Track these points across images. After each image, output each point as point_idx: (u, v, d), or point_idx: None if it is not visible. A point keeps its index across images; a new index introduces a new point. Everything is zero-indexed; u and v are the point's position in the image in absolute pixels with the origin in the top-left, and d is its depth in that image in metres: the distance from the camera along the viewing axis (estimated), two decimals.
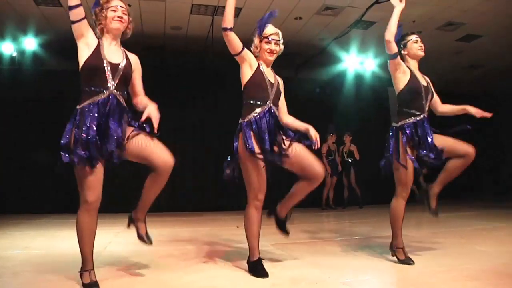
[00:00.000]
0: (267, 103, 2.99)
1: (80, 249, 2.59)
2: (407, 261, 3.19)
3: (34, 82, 7.88)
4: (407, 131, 3.18)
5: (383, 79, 9.54)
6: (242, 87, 3.06)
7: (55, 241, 4.61)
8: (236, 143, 2.99)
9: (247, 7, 6.61)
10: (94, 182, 2.52)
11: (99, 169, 2.54)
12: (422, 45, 3.41)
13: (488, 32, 7.55)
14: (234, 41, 3.01)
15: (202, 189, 8.36)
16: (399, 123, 3.25)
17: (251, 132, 2.91)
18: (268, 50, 3.07)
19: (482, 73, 10.29)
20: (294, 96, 9.12)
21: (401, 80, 3.30)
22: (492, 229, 5.12)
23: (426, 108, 3.29)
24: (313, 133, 3.09)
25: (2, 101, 7.69)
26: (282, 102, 3.24)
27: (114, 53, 2.69)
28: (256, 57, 3.11)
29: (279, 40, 3.11)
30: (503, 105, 12.17)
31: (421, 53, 3.39)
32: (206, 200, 8.33)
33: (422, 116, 3.24)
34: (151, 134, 2.67)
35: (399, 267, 3.19)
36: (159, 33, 7.50)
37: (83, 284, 2.55)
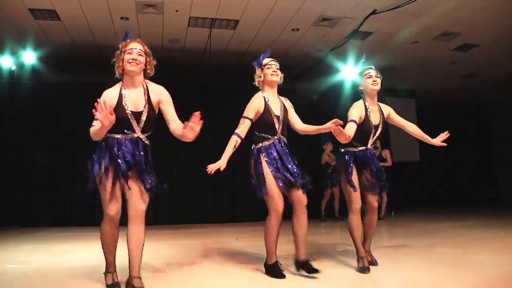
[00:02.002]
0: (275, 136, 3.35)
1: (103, 253, 2.96)
2: (363, 270, 3.37)
3: (32, 96, 7.90)
4: (347, 157, 3.57)
5: (380, 89, 9.59)
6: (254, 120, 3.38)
7: (52, 255, 4.58)
8: (251, 167, 3.40)
9: (244, 20, 6.66)
10: (114, 199, 2.80)
11: (118, 191, 2.82)
12: (376, 79, 3.55)
13: (484, 41, 7.60)
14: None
15: (199, 202, 8.33)
16: (344, 149, 3.64)
17: (261, 157, 3.29)
18: (271, 72, 3.39)
19: (476, 83, 10.33)
20: (293, 107, 9.13)
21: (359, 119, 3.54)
22: (489, 239, 5.11)
23: (371, 143, 3.61)
24: (328, 125, 3.17)
25: (0, 114, 7.70)
26: (293, 116, 3.54)
27: (136, 101, 2.87)
28: (261, 89, 3.47)
29: (277, 65, 3.46)
30: (495, 115, 12.26)
31: (375, 88, 3.55)
32: (203, 213, 8.30)
33: (363, 148, 3.59)
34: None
35: (398, 278, 3.18)
36: (157, 46, 7.53)
37: (106, 285, 2.88)
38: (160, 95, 2.96)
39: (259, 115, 3.34)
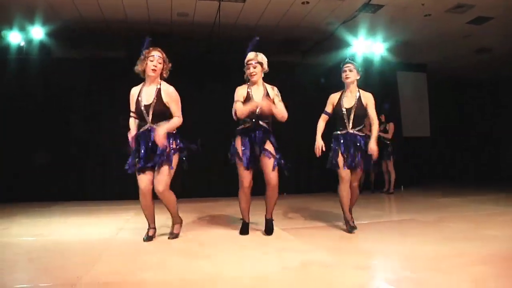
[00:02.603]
0: (253, 120, 3.87)
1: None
2: (350, 230, 4.05)
3: (41, 71, 7.90)
4: (334, 140, 4.22)
5: (392, 63, 9.44)
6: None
7: (66, 228, 4.68)
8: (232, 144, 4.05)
9: None
10: (142, 177, 3.67)
11: (147, 170, 3.67)
12: (348, 73, 4.17)
13: (499, 14, 7.40)
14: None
15: (210, 177, 8.40)
16: (334, 133, 4.25)
17: (237, 138, 3.98)
18: (249, 73, 3.93)
19: (490, 58, 10.11)
20: (301, 82, 9.07)
21: (331, 108, 4.28)
22: (500, 214, 5.10)
23: (350, 125, 4.16)
24: None
25: (10, 90, 7.72)
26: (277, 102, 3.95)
27: (148, 95, 3.68)
28: (248, 81, 4.00)
29: (255, 62, 3.89)
30: (508, 91, 12.01)
31: (346, 81, 4.21)
32: (215, 187, 8.37)
33: (345, 131, 4.17)
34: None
35: (409, 252, 3.20)
36: (165, 20, 7.47)
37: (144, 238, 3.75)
38: (170, 96, 3.69)
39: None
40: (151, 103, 3.64)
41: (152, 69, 3.63)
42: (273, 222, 4.09)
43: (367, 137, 4.20)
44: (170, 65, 3.80)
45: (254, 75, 3.90)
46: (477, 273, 2.56)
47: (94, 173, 7.98)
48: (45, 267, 2.87)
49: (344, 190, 4.14)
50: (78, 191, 7.82)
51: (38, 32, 7.54)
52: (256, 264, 2.94)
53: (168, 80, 3.86)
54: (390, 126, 8.33)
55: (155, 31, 7.80)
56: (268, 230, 4.02)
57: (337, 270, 2.75)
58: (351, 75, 4.18)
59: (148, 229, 3.82)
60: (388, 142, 8.25)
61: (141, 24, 7.51)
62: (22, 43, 7.72)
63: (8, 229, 4.55)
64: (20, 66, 7.80)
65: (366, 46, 8.74)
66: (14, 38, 7.57)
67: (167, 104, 3.68)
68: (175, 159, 3.71)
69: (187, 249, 3.45)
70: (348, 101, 4.19)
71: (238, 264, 2.94)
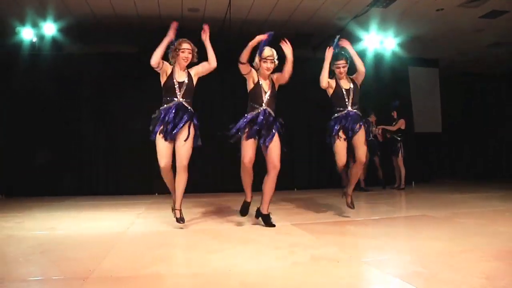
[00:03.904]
0: (262, 106, 4.12)
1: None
2: (349, 206, 4.67)
3: (53, 67, 7.97)
4: (335, 121, 4.51)
5: (404, 58, 9.36)
6: (248, 93, 4.22)
7: (78, 222, 4.73)
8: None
9: None
10: (163, 153, 4.00)
11: (168, 145, 4.00)
12: (341, 70, 4.53)
13: None
14: (245, 69, 4.15)
15: (221, 171, 8.42)
16: (333, 116, 4.55)
17: (246, 122, 4.08)
18: (265, 68, 4.14)
19: (503, 53, 9.94)
20: (313, 77, 9.03)
21: (330, 91, 4.59)
22: (509, 210, 5.04)
23: (349, 105, 4.49)
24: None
25: (22, 85, 7.81)
26: (279, 76, 4.23)
27: (181, 76, 4.12)
28: (257, 70, 4.21)
29: (273, 59, 4.13)
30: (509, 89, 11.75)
31: (340, 75, 4.57)
32: (225, 182, 8.39)
33: (345, 111, 4.48)
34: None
35: (419, 247, 3.19)
36: (176, 15, 7.48)
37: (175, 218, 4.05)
38: (194, 69, 4.22)
39: (251, 86, 4.17)
40: (183, 81, 4.07)
41: (184, 60, 4.10)
42: (271, 216, 4.21)
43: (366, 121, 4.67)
44: (196, 48, 4.22)
45: (270, 69, 4.14)
46: (488, 269, 2.54)
47: (106, 168, 8.05)
48: (57, 261, 2.91)
49: (343, 172, 4.77)
50: (90, 185, 7.90)
51: (50, 28, 7.60)
52: (266, 259, 2.94)
53: None
54: (400, 122, 8.28)
55: (166, 26, 7.80)
56: (268, 225, 4.13)
57: (348, 265, 2.74)
58: (345, 72, 4.56)
59: (175, 210, 4.11)
60: (399, 139, 8.22)
61: (152, 19, 7.53)
62: (34, 39, 7.79)
63: (23, 222, 4.61)
64: (32, 62, 7.88)
65: (378, 41, 8.67)
66: (27, 34, 7.64)
67: (194, 81, 4.16)
68: (194, 136, 4.07)
69: (198, 243, 3.47)
70: (344, 84, 4.55)
71: (248, 258, 2.95)
